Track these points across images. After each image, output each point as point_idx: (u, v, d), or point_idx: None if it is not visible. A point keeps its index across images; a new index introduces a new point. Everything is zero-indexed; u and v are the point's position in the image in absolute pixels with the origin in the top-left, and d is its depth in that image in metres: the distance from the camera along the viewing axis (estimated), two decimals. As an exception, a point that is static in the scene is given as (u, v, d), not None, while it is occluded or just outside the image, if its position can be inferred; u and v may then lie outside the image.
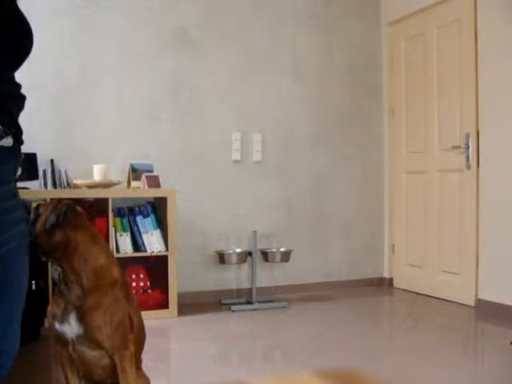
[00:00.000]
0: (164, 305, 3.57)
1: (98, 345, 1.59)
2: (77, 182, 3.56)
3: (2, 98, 1.27)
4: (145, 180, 3.66)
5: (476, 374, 2.61)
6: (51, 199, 1.72)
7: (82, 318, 1.57)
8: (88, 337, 1.57)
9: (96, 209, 3.54)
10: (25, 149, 1.40)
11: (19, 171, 1.39)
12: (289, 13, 4.43)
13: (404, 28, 4.56)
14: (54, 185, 3.57)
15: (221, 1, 4.21)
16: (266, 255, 4.07)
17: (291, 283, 4.40)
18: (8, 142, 1.26)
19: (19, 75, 1.34)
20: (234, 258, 4.01)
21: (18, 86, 1.36)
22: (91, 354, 1.61)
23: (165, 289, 3.56)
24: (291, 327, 3.45)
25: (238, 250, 4.10)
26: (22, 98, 1.38)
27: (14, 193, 1.28)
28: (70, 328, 1.59)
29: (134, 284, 3.58)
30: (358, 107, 4.68)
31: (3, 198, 1.21)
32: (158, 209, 3.69)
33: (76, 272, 1.60)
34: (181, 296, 3.72)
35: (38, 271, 3.13)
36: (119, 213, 3.59)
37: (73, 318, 1.59)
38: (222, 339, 3.15)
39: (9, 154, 1.27)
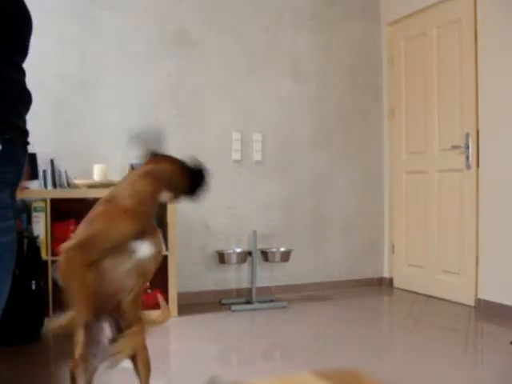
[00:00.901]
0: (164, 305, 3.56)
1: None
2: (77, 181, 3.56)
3: None
4: (145, 180, 3.65)
5: (476, 374, 2.61)
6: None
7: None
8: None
9: (96, 209, 3.54)
10: (25, 149, 1.38)
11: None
12: (289, 13, 4.43)
13: (404, 28, 4.56)
14: (54, 185, 3.57)
15: (221, 1, 4.21)
16: (265, 255, 4.07)
17: (291, 283, 4.40)
18: None
19: (19, 75, 1.32)
20: (234, 258, 4.01)
21: (17, 83, 1.28)
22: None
23: (165, 289, 3.56)
24: (291, 327, 3.45)
25: (238, 250, 4.10)
26: (24, 98, 1.33)
27: (2, 204, 1.21)
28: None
29: (134, 284, 3.58)
30: (358, 107, 4.68)
31: None
32: (157, 209, 3.69)
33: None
34: (181, 296, 3.71)
35: (38, 271, 3.13)
36: (119, 213, 3.58)
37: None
38: (222, 339, 3.14)
39: None
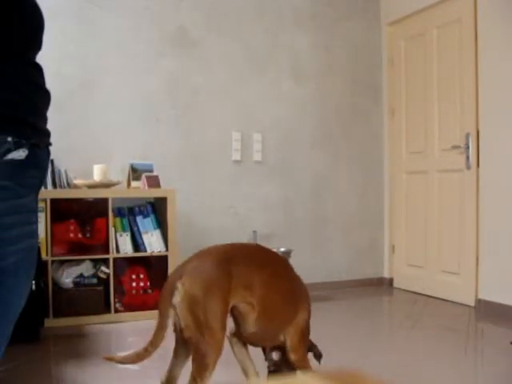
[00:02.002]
0: (164, 305, 3.56)
1: None
2: (77, 182, 3.56)
3: (12, 104, 1.17)
4: (145, 180, 3.65)
5: (476, 374, 2.61)
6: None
7: None
8: None
9: (96, 209, 3.54)
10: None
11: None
12: (289, 13, 4.43)
13: (404, 28, 4.55)
14: (54, 185, 3.57)
15: (221, 1, 4.21)
16: (265, 255, 4.07)
17: (291, 283, 4.39)
18: (19, 154, 1.17)
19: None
20: (234, 258, 4.00)
21: (37, 83, 1.26)
22: None
23: (165, 289, 3.56)
24: (291, 327, 3.44)
25: (238, 250, 4.09)
26: (44, 98, 1.28)
27: (18, 210, 1.19)
28: None
29: (133, 284, 3.58)
30: (358, 107, 4.68)
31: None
32: (158, 209, 3.69)
33: None
34: (181, 296, 3.71)
35: (38, 271, 3.13)
36: (119, 213, 3.59)
37: None
38: (222, 339, 3.14)
39: (20, 167, 1.18)
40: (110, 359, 1.73)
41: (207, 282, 1.70)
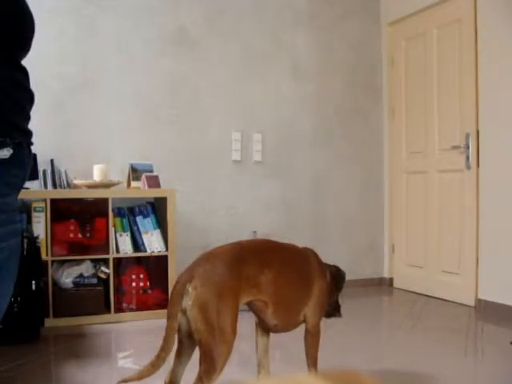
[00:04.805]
0: (164, 305, 3.56)
1: None
2: (77, 182, 3.56)
3: (1, 106, 1.19)
4: (145, 180, 3.65)
5: (476, 374, 2.61)
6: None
7: None
8: None
9: (96, 209, 3.54)
10: (25, 149, 1.38)
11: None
12: (289, 13, 4.43)
13: (404, 28, 4.55)
14: (54, 185, 3.57)
15: (221, 1, 4.21)
16: (266, 255, 4.07)
17: (291, 283, 4.38)
18: (3, 154, 1.19)
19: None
20: (234, 258, 4.00)
21: (22, 85, 1.28)
22: None
23: (165, 289, 3.56)
24: (291, 327, 3.44)
25: (238, 250, 4.09)
26: (28, 100, 1.30)
27: (2, 208, 1.20)
28: None
29: (133, 284, 3.58)
30: (358, 107, 4.68)
31: None
32: (157, 209, 3.69)
33: None
34: (181, 296, 3.70)
35: (38, 271, 3.12)
36: (119, 213, 3.59)
37: None
38: (222, 339, 3.13)
39: (3, 166, 1.20)
40: (127, 380, 1.72)
41: (219, 285, 1.70)
